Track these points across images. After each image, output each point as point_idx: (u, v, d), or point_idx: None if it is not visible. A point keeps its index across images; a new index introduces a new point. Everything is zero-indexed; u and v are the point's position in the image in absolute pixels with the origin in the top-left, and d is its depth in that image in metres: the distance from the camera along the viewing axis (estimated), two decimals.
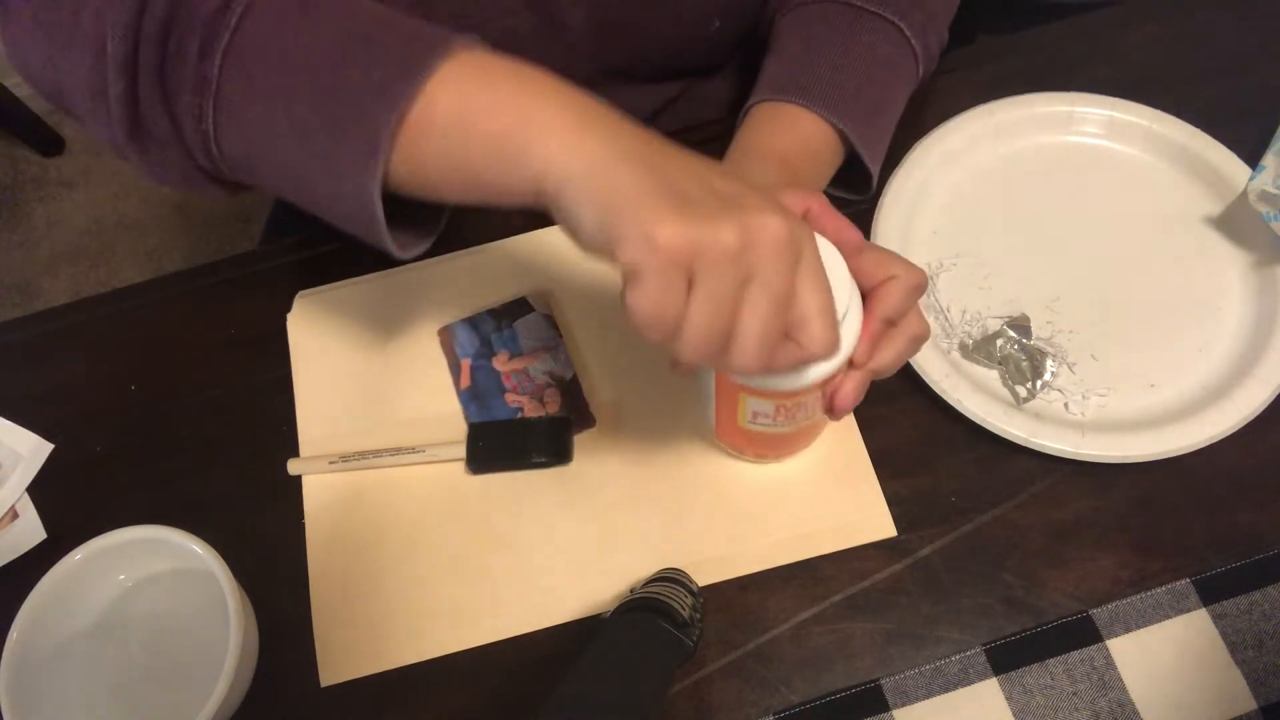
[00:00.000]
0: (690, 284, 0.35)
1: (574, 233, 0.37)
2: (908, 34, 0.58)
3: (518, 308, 0.62)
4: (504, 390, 0.59)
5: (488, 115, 0.37)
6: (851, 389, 0.45)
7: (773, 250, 0.35)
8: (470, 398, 0.59)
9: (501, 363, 0.60)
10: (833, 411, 0.46)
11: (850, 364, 0.44)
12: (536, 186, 0.37)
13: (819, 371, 0.42)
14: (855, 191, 0.60)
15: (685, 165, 0.37)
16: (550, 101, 0.37)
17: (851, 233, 0.43)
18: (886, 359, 0.44)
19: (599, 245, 0.36)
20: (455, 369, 0.60)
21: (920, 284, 0.44)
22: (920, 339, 0.45)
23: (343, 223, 0.42)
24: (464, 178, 0.39)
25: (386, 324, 0.63)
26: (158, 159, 0.43)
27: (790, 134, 0.56)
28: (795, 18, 0.60)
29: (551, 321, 0.61)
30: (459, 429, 0.59)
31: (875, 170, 0.58)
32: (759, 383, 0.43)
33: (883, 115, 0.59)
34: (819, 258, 0.38)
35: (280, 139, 0.40)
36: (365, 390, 0.61)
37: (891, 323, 0.44)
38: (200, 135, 0.41)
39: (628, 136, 0.37)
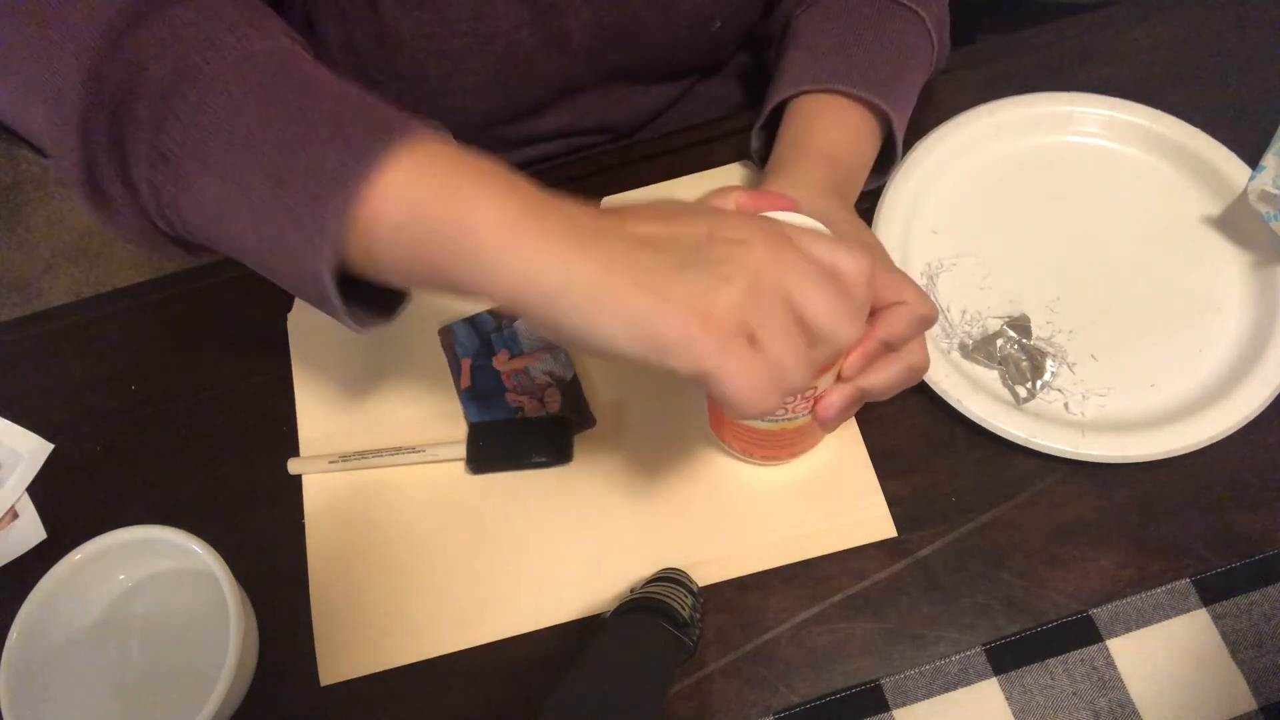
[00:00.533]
0: (751, 338, 0.35)
1: (592, 348, 0.36)
2: (929, 25, 0.60)
3: None
4: (504, 390, 0.59)
5: (440, 217, 0.36)
6: (837, 400, 0.44)
7: (778, 251, 0.35)
8: (470, 397, 0.59)
9: (502, 362, 0.60)
10: (818, 420, 0.46)
11: (839, 376, 0.44)
12: (512, 298, 0.36)
13: None
14: (871, 179, 0.61)
15: (649, 232, 0.36)
16: (504, 206, 0.36)
17: (786, 200, 0.44)
18: (879, 381, 0.44)
19: (638, 359, 0.35)
20: (455, 369, 0.60)
21: (928, 316, 0.44)
22: (919, 370, 0.45)
23: (302, 297, 0.41)
24: (424, 275, 0.38)
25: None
26: (122, 222, 0.42)
27: (840, 127, 0.56)
28: (821, 11, 0.61)
29: None
30: (459, 429, 0.59)
31: (902, 149, 0.59)
32: None
33: (910, 103, 0.60)
34: (793, 227, 0.38)
35: (238, 218, 0.39)
36: (365, 390, 0.61)
37: (891, 347, 0.44)
38: (157, 205, 0.40)
39: (587, 229, 0.36)
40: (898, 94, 0.58)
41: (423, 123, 0.39)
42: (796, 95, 0.58)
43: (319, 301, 0.40)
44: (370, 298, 0.43)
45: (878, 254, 0.49)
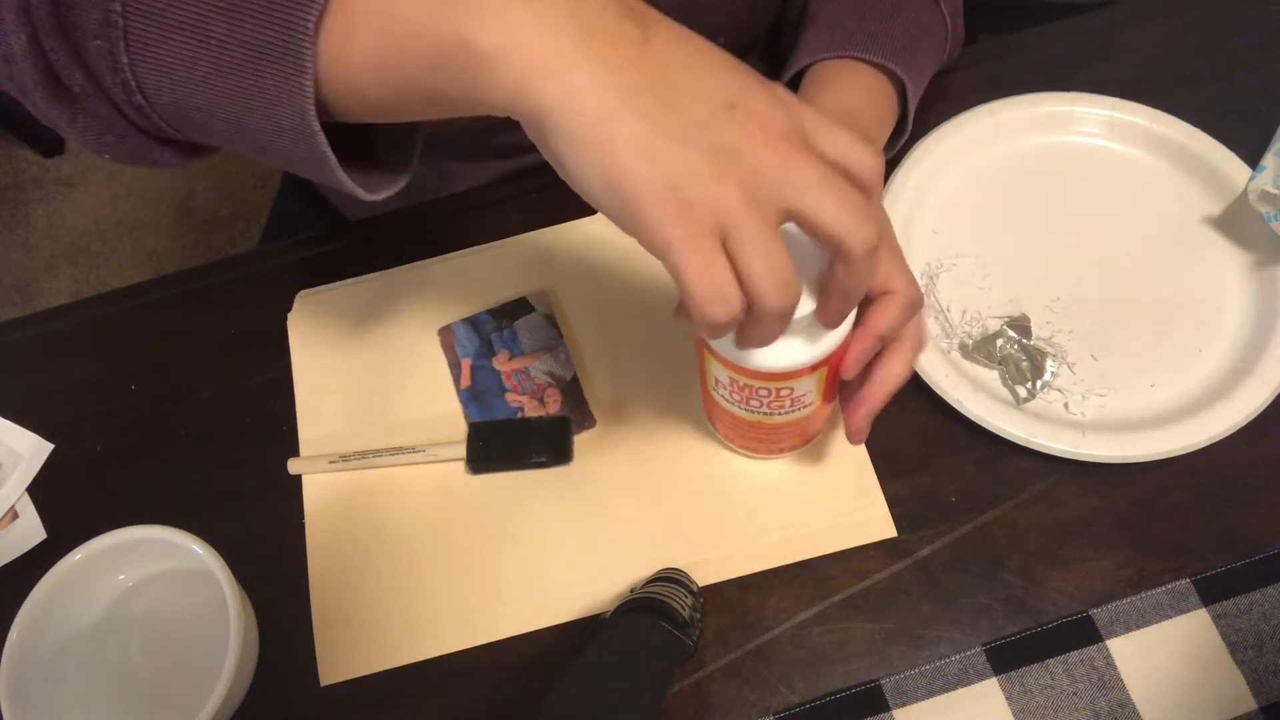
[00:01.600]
0: (725, 240, 0.32)
1: (566, 177, 0.34)
2: (943, 9, 0.60)
3: (518, 308, 0.62)
4: (504, 390, 0.59)
5: (417, 13, 0.32)
6: (865, 412, 0.46)
7: (787, 154, 0.33)
8: (470, 397, 0.59)
9: (502, 362, 0.60)
10: (849, 423, 0.47)
11: (836, 371, 0.44)
12: (509, 111, 0.33)
13: (766, 359, 0.42)
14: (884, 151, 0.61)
15: (672, 71, 0.33)
16: (501, 10, 0.32)
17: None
18: (898, 373, 0.45)
19: (609, 213, 0.33)
20: (455, 369, 0.60)
21: (917, 301, 0.44)
22: (924, 345, 0.47)
23: (293, 165, 0.38)
24: (416, 96, 0.35)
25: (386, 324, 0.63)
26: (87, 122, 0.38)
27: (855, 89, 0.56)
28: None
29: (552, 321, 0.61)
30: (459, 429, 0.59)
31: (912, 122, 0.60)
32: (715, 342, 0.44)
33: (923, 79, 0.60)
34: (813, 116, 0.35)
35: (205, 76, 0.35)
36: (365, 390, 0.61)
37: (887, 338, 0.44)
38: (121, 85, 0.36)
39: (606, 37, 0.32)
40: (912, 65, 0.58)
41: None
42: (812, 65, 0.58)
43: (311, 160, 0.36)
44: (372, 163, 0.41)
45: (883, 228, 0.49)
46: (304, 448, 0.60)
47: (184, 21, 0.34)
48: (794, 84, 0.59)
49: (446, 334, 0.62)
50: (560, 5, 0.32)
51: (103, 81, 0.36)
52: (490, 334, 0.61)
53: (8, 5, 0.35)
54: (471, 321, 0.62)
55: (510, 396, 0.59)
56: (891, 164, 0.62)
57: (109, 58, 0.35)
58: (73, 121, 0.38)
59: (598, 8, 0.33)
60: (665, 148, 0.32)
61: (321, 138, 0.35)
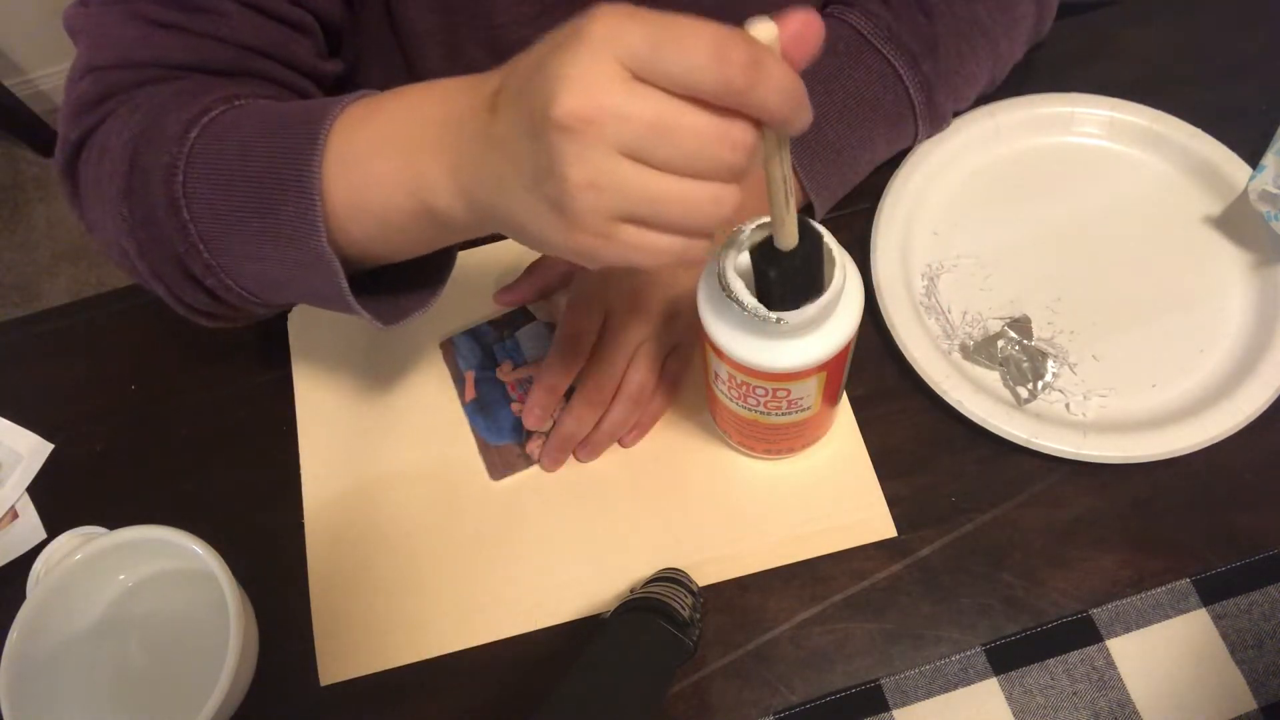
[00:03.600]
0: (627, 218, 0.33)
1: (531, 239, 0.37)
2: (907, 84, 0.58)
3: (518, 316, 0.62)
4: (510, 400, 0.59)
5: (375, 182, 0.40)
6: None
7: (599, 122, 0.31)
8: (476, 410, 0.59)
9: (505, 373, 0.60)
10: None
11: (841, 384, 0.44)
12: (463, 219, 0.39)
13: (764, 358, 0.43)
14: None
15: (500, 131, 0.34)
16: (405, 168, 0.39)
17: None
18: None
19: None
20: (460, 382, 0.60)
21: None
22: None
23: (317, 297, 0.45)
24: (403, 241, 0.42)
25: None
26: (206, 310, 0.49)
27: None
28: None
29: (553, 329, 0.61)
30: (463, 438, 0.59)
31: (817, 200, 0.58)
32: (713, 334, 0.44)
33: (843, 151, 0.58)
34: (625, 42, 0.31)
35: (257, 257, 0.43)
36: (366, 389, 0.61)
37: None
38: (225, 289, 0.45)
39: (462, 139, 0.37)
40: (822, 140, 0.56)
41: (339, 100, 0.41)
42: None
43: (344, 309, 0.44)
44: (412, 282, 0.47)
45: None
46: (304, 447, 0.59)
47: (250, 260, 0.44)
48: None
49: (448, 347, 0.61)
50: (444, 148, 0.38)
51: (217, 292, 0.46)
52: (492, 345, 0.61)
53: (148, 275, 0.46)
54: (473, 334, 0.61)
55: (515, 407, 0.59)
56: (892, 165, 0.62)
57: (201, 261, 0.44)
58: (209, 318, 0.51)
59: (454, 117, 0.37)
60: (528, 199, 0.34)
61: (350, 298, 0.42)
